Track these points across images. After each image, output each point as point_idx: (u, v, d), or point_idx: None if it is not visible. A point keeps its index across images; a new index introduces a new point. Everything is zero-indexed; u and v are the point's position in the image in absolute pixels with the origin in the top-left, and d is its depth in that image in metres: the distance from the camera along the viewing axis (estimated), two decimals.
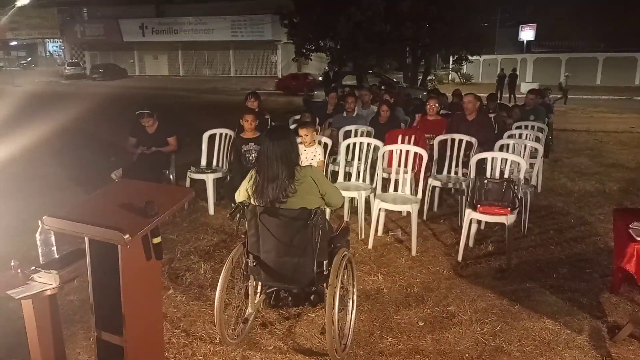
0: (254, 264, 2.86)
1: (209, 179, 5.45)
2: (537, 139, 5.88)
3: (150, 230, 1.94)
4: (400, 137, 5.40)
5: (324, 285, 2.85)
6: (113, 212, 1.98)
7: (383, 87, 13.01)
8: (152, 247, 2.00)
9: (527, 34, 38.15)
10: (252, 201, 2.84)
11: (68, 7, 39.65)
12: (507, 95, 21.30)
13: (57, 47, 44.33)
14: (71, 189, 6.37)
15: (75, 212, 2.02)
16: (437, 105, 6.15)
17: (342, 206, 3.63)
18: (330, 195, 2.91)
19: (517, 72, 23.90)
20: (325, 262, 2.78)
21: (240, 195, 2.92)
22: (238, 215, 2.78)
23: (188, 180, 5.55)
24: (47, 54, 44.82)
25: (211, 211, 5.45)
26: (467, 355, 2.94)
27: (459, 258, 4.27)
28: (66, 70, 35.80)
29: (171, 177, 5.75)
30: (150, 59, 39.93)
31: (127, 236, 1.80)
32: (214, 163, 5.79)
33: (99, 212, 2.02)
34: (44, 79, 34.01)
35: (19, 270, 2.20)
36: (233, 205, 5.25)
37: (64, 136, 9.84)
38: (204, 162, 5.81)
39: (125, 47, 38.68)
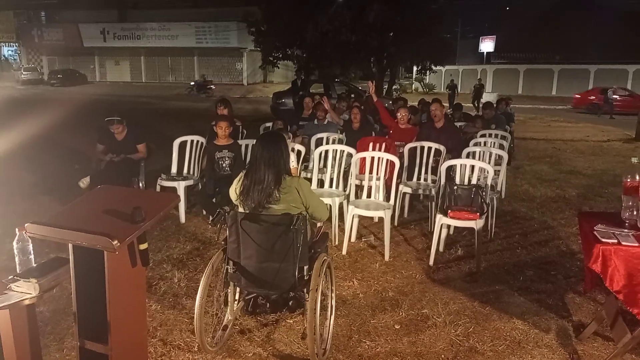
0: (234, 270, 2.87)
1: (180, 186, 5.40)
2: (501, 147, 6.11)
3: (137, 236, 1.93)
4: (371, 144, 5.50)
5: (304, 290, 2.88)
6: (99, 218, 1.96)
7: (352, 96, 13.17)
8: (139, 254, 1.99)
9: (487, 45, 39.45)
10: (237, 202, 2.85)
11: (25, 11, 38.37)
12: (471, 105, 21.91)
13: (13, 51, 42.76)
14: (36, 197, 6.18)
15: (59, 218, 1.99)
16: (407, 113, 6.28)
17: None
18: (315, 208, 2.95)
19: (483, 83, 24.57)
20: (305, 268, 2.81)
21: (232, 195, 2.94)
22: (220, 222, 2.79)
23: (158, 187, 5.47)
24: (2, 59, 43.14)
25: (182, 219, 5.40)
26: (442, 356, 3.02)
27: (431, 262, 4.38)
28: (22, 76, 34.48)
29: (141, 184, 5.65)
30: (111, 64, 39.07)
31: (115, 242, 1.79)
32: (185, 170, 5.74)
33: (84, 219, 1.99)
34: None
35: None
36: (205, 212, 5.29)
37: (24, 143, 9.50)
38: (174, 169, 5.74)
39: (86, 53, 37.71)
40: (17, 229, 2.19)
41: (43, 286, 2.12)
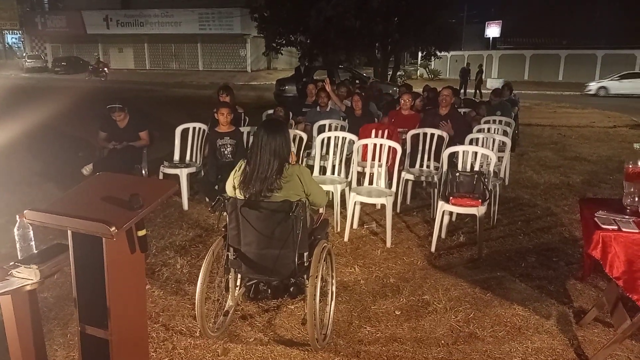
0: (234, 256, 2.88)
1: (183, 173, 5.41)
2: (505, 133, 6.07)
3: (135, 222, 1.94)
4: (373, 131, 5.48)
5: (304, 277, 2.89)
6: (97, 205, 1.97)
7: (357, 82, 13.08)
8: (137, 240, 2.00)
9: (492, 30, 39.02)
10: (237, 192, 2.85)
11: None
12: (473, 91, 21.67)
13: (16, 39, 42.72)
14: (40, 184, 6.22)
15: (58, 205, 2.00)
16: (410, 99, 6.24)
17: None
18: (315, 195, 2.95)
19: (483, 69, 24.19)
20: (305, 254, 2.82)
21: (229, 186, 2.92)
22: (219, 209, 2.78)
23: (161, 175, 5.49)
24: (6, 46, 43.13)
25: (185, 206, 5.41)
26: (442, 341, 3.04)
27: (432, 249, 4.39)
28: (26, 63, 34.49)
29: (143, 172, 5.67)
30: (115, 52, 38.96)
31: (113, 228, 1.79)
32: (187, 158, 5.75)
33: (83, 205, 2.00)
34: (3, 72, 32.74)
35: None
36: (207, 200, 5.30)
37: (28, 131, 9.53)
38: (177, 156, 5.76)
39: (89, 40, 37.60)
40: (17, 216, 2.21)
41: (44, 272, 2.14)
